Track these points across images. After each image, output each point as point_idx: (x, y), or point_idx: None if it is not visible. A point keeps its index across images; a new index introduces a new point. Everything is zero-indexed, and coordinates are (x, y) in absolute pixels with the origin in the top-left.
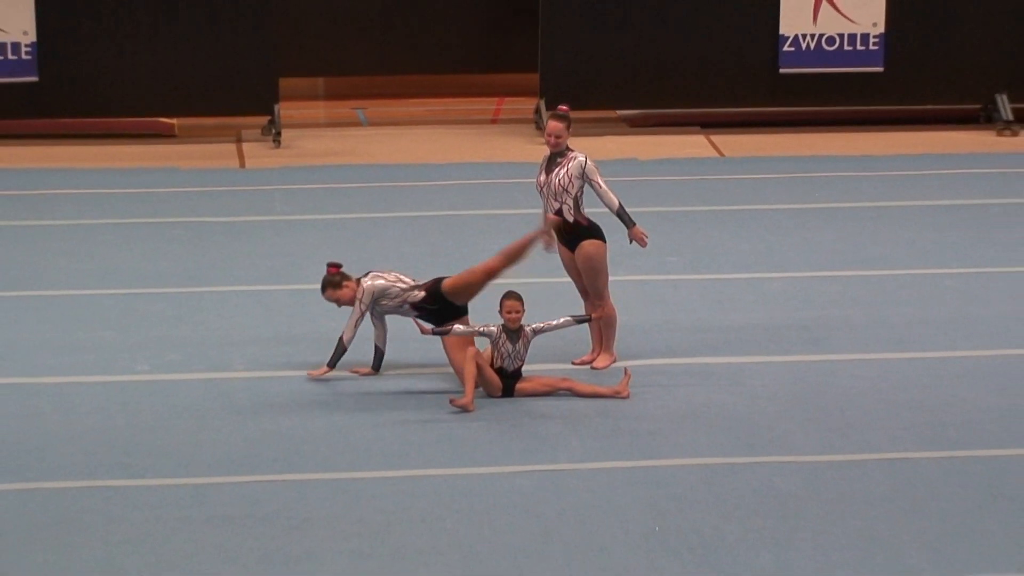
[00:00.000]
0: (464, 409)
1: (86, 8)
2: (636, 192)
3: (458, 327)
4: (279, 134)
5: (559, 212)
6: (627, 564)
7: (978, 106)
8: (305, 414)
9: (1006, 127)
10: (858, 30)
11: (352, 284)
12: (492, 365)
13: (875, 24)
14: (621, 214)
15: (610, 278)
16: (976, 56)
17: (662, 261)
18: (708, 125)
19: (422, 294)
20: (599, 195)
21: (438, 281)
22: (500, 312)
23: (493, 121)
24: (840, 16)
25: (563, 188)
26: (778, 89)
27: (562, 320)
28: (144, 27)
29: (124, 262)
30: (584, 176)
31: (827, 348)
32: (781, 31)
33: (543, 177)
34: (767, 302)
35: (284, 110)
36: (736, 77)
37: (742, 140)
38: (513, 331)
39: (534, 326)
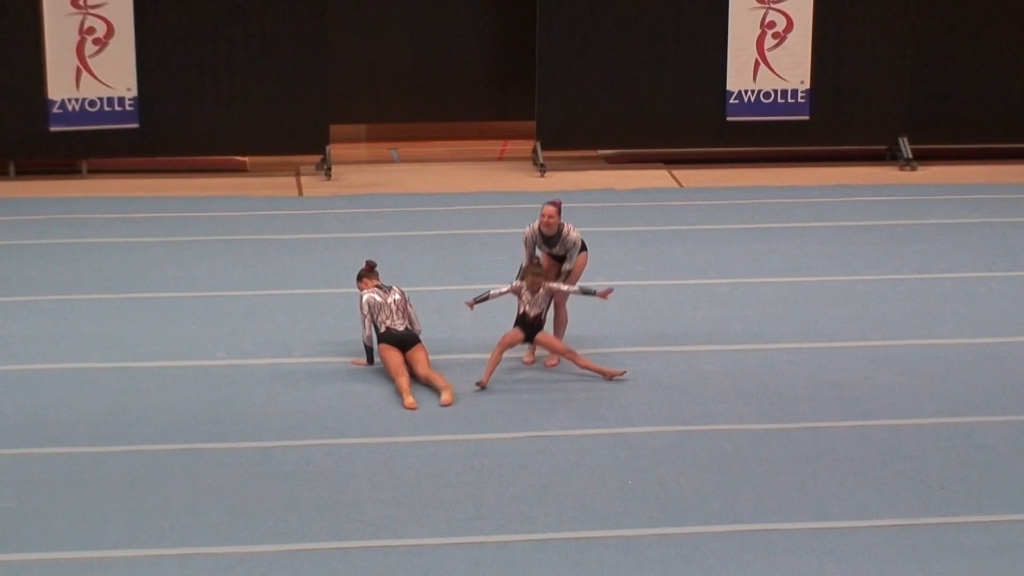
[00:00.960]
0: (480, 387)
1: (177, 70)
2: (613, 215)
3: (493, 291)
4: (330, 169)
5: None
6: (605, 510)
7: (884, 147)
8: (350, 392)
9: (907, 163)
10: (789, 86)
11: (365, 283)
12: (518, 312)
13: (802, 81)
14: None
15: (590, 284)
16: (882, 106)
17: (633, 270)
18: (670, 162)
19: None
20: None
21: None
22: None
23: (499, 159)
24: (774, 75)
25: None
26: (726, 133)
27: (576, 287)
28: (222, 84)
29: (206, 271)
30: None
31: (765, 339)
32: (728, 87)
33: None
34: (717, 302)
35: (334, 150)
36: (693, 124)
37: (697, 174)
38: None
39: (550, 285)
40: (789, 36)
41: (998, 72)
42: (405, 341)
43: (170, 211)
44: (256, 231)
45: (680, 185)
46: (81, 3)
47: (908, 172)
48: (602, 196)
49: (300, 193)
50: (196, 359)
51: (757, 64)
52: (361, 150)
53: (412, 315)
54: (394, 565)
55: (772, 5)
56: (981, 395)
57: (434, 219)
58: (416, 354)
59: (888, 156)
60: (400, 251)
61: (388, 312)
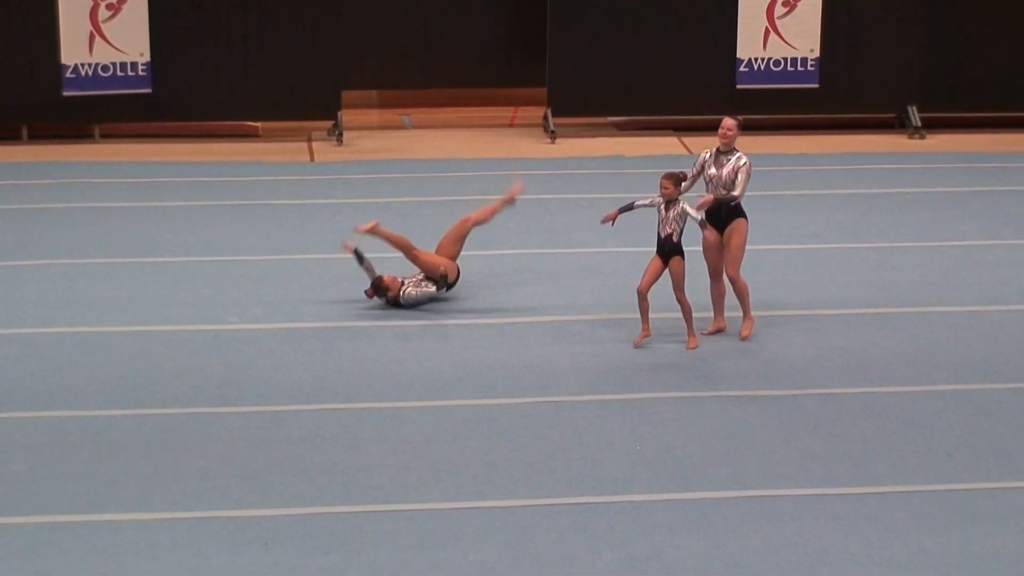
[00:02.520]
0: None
1: (190, 35)
2: (622, 182)
3: (638, 202)
4: (342, 135)
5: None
6: (614, 475)
7: (893, 115)
8: (360, 356)
9: (915, 132)
10: (798, 55)
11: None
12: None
13: (812, 50)
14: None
15: (601, 250)
16: (891, 75)
17: (643, 237)
18: (680, 129)
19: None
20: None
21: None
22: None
23: (510, 125)
24: (784, 43)
25: (730, 180)
26: (735, 101)
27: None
28: (236, 50)
29: (219, 235)
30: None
31: (773, 305)
32: (738, 55)
33: (713, 171)
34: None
35: (346, 116)
36: (702, 91)
37: (707, 141)
38: (669, 201)
39: (685, 206)
40: (799, 4)
41: (1007, 41)
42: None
43: (182, 176)
44: (268, 196)
45: (690, 152)
46: None
47: (917, 140)
48: (612, 163)
49: (312, 159)
50: (208, 323)
51: (767, 32)
52: (373, 116)
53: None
54: (403, 529)
55: None
56: (988, 362)
57: (445, 185)
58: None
59: (897, 124)
60: (411, 217)
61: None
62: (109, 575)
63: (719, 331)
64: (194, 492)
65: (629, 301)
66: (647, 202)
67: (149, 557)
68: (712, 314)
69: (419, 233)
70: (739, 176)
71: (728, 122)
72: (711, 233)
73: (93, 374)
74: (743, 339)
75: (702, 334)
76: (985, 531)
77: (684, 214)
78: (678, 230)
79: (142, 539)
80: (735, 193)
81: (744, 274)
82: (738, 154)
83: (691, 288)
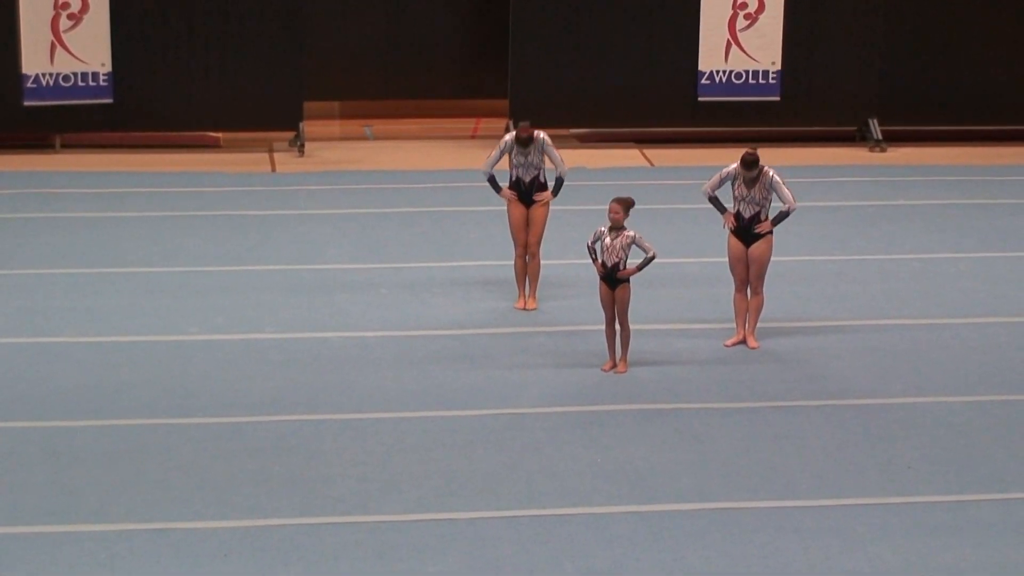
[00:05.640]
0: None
1: (151, 45)
2: (584, 194)
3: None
4: (303, 146)
5: (756, 216)
6: (575, 487)
7: (854, 128)
8: (322, 368)
9: (876, 145)
10: (760, 67)
11: None
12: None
13: (773, 63)
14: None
15: (564, 262)
16: (852, 88)
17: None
18: (641, 141)
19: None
20: (780, 198)
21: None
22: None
23: (472, 136)
24: (746, 56)
25: (764, 198)
26: (697, 113)
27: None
28: (197, 60)
29: (180, 246)
30: (773, 188)
31: (732, 319)
32: (700, 68)
33: (744, 190)
34: (686, 282)
35: (307, 127)
36: (664, 103)
37: (668, 153)
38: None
39: (636, 236)
40: (760, 17)
41: (967, 55)
42: None
43: (143, 186)
44: (229, 207)
45: (651, 164)
46: None
47: (878, 153)
48: (574, 175)
49: (273, 169)
50: (169, 334)
51: (729, 45)
52: (334, 127)
53: None
54: (364, 541)
55: None
56: (948, 375)
57: (407, 196)
58: None
59: (858, 137)
60: (373, 228)
61: None
62: None
63: (740, 342)
64: (154, 503)
65: (591, 315)
66: (590, 242)
67: (108, 568)
68: (735, 324)
69: (381, 244)
70: (776, 191)
71: (614, 205)
72: (738, 245)
73: (53, 385)
74: (752, 348)
75: (724, 345)
76: (944, 543)
77: (631, 244)
78: (624, 258)
79: (102, 550)
80: (788, 206)
81: (703, 287)
82: (768, 170)
83: (708, 296)
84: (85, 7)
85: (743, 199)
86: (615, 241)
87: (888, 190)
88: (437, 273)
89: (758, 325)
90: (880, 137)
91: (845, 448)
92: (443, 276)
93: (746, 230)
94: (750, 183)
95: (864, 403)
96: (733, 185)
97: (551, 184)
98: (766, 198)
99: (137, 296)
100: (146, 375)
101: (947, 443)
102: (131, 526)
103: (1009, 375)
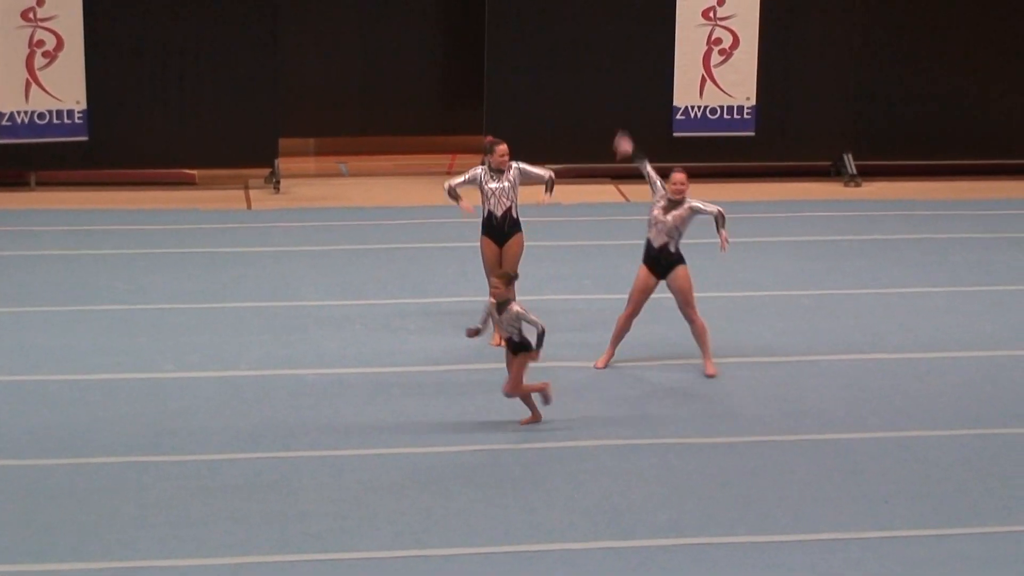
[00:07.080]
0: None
1: (127, 83)
2: (560, 230)
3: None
4: (279, 182)
5: (665, 246)
6: (551, 523)
7: (829, 163)
8: (298, 404)
9: (851, 180)
10: (735, 103)
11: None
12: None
13: (748, 98)
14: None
15: (539, 298)
16: (827, 123)
17: (580, 283)
18: (617, 177)
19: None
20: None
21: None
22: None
23: (448, 172)
24: (721, 92)
25: (675, 227)
26: (672, 148)
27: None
28: (172, 98)
29: (155, 283)
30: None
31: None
32: (675, 103)
33: (660, 214)
34: (661, 317)
35: (283, 164)
36: (640, 139)
37: (643, 189)
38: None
39: (520, 310)
40: (735, 53)
41: (941, 90)
42: None
43: (119, 224)
44: (205, 244)
45: (627, 200)
46: (31, 16)
47: (852, 188)
48: (549, 211)
49: (249, 206)
50: (144, 372)
51: (703, 80)
52: (310, 164)
53: None
54: None
55: (718, 22)
56: (924, 409)
57: (383, 233)
58: None
59: (833, 172)
60: (349, 265)
61: None
62: None
63: (608, 362)
64: (130, 541)
65: (567, 351)
66: (483, 318)
67: None
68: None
69: (356, 280)
70: (685, 223)
71: (678, 177)
72: (649, 278)
73: (28, 423)
74: (710, 377)
75: (595, 367)
76: None
77: (518, 319)
78: (516, 332)
79: None
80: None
81: (678, 322)
82: (689, 201)
83: (684, 331)
84: (60, 45)
85: (655, 224)
86: (501, 315)
87: (863, 224)
88: (413, 309)
89: (712, 353)
90: (855, 172)
91: (822, 482)
92: (419, 312)
93: (655, 259)
94: (669, 206)
95: (840, 437)
96: (651, 209)
97: (523, 220)
98: (677, 228)
99: (112, 334)
100: (121, 412)
101: (923, 477)
102: (108, 564)
103: (985, 409)
